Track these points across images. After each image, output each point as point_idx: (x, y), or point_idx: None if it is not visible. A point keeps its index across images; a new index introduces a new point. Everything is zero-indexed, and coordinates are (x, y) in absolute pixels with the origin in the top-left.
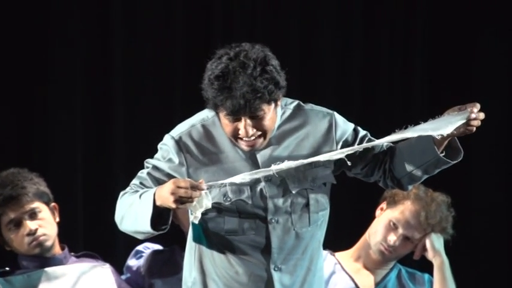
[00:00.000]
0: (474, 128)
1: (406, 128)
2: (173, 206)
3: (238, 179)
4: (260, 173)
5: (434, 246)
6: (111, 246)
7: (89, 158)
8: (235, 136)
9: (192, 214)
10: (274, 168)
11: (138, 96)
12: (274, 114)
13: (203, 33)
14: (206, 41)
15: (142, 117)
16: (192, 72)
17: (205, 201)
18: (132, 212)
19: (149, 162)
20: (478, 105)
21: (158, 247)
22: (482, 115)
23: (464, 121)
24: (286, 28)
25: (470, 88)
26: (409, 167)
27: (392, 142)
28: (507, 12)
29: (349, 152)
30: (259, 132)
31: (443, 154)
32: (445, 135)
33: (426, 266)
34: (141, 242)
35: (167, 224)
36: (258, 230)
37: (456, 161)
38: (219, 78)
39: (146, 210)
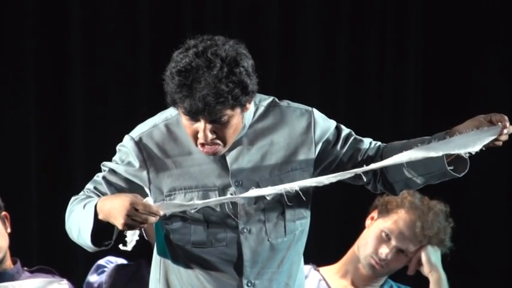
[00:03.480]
0: (501, 143)
1: (429, 143)
2: (120, 227)
3: (200, 203)
4: (230, 200)
5: (431, 260)
6: (69, 260)
7: (43, 162)
8: (194, 138)
9: (125, 241)
10: (252, 193)
11: (99, 92)
12: (239, 120)
13: (172, 26)
14: (175, 35)
15: (104, 116)
16: (160, 67)
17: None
18: (76, 223)
19: (106, 165)
20: (507, 118)
21: (122, 261)
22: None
23: (494, 137)
24: (265, 25)
25: (467, 93)
26: (408, 174)
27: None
28: (506, 17)
29: (343, 177)
30: (218, 140)
31: (451, 168)
32: (473, 153)
33: (421, 282)
34: (103, 255)
35: (111, 240)
36: (229, 241)
37: (463, 174)
38: (180, 73)
39: (87, 224)
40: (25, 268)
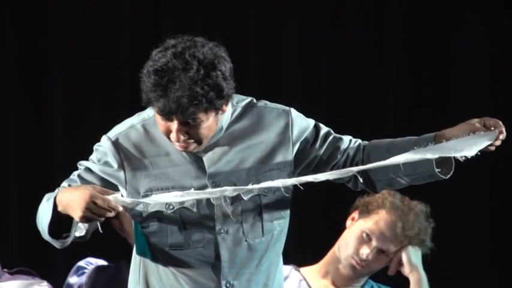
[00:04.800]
0: (494, 148)
1: (426, 146)
2: (77, 220)
3: (175, 197)
4: (208, 194)
5: (411, 261)
6: (49, 262)
7: (23, 164)
8: (167, 136)
9: (75, 228)
10: (230, 190)
11: (79, 93)
12: (213, 122)
13: (152, 28)
14: (156, 36)
15: (84, 117)
16: (140, 67)
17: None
18: (40, 217)
19: (82, 164)
20: (501, 123)
21: (102, 262)
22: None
23: (490, 142)
24: (246, 29)
25: (447, 89)
26: (392, 173)
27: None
28: (485, 12)
29: (329, 177)
30: (192, 140)
31: (438, 170)
32: (469, 157)
33: (402, 283)
34: (82, 256)
35: (69, 233)
36: (206, 243)
37: (448, 176)
38: (157, 72)
39: (47, 216)
40: (5, 270)
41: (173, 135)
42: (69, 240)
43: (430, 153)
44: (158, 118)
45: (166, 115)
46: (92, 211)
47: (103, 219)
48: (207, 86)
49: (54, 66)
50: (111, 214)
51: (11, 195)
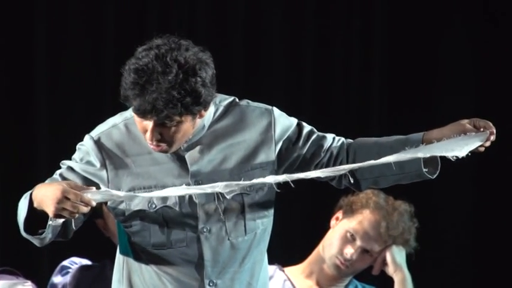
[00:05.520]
0: (484, 149)
1: (417, 147)
2: (51, 215)
3: (161, 192)
4: (198, 190)
5: (396, 260)
6: (33, 262)
7: (6, 163)
8: (144, 135)
9: (52, 223)
10: (221, 185)
11: (64, 94)
12: (189, 126)
13: (136, 28)
14: (140, 38)
15: (69, 118)
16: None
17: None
18: (18, 215)
19: (64, 163)
20: (492, 125)
21: (86, 262)
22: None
23: (481, 143)
24: (231, 28)
25: (433, 85)
26: (378, 172)
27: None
28: (470, 9)
29: (320, 174)
30: (164, 143)
31: (426, 170)
32: (460, 157)
33: (386, 282)
34: (67, 256)
35: (44, 229)
36: (189, 242)
37: (435, 176)
38: (137, 71)
39: (23, 212)
40: None
41: (148, 135)
42: (47, 237)
43: (421, 153)
44: (135, 116)
45: (141, 114)
46: (64, 207)
47: (76, 215)
48: (184, 91)
49: (38, 64)
50: (85, 209)
51: None
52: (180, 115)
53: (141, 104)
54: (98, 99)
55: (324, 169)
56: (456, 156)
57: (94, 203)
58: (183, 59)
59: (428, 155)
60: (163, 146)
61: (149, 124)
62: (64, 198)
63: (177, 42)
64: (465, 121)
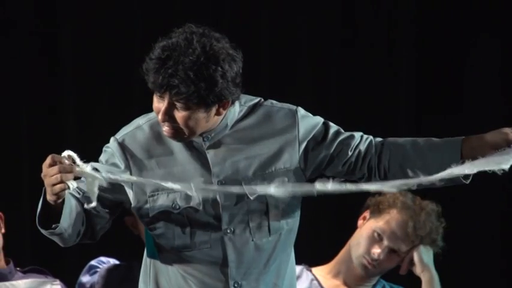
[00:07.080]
0: None
1: (463, 163)
2: (51, 198)
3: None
4: (214, 188)
5: (423, 260)
6: (62, 261)
7: (36, 161)
8: (157, 115)
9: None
10: (246, 189)
11: (92, 95)
12: (202, 118)
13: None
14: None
15: (97, 118)
16: None
17: (97, 181)
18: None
19: (92, 166)
20: None
21: (114, 261)
22: None
23: None
24: (255, 37)
25: (460, 96)
26: (413, 175)
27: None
28: (500, 17)
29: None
30: (176, 128)
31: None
32: (506, 170)
33: (413, 282)
34: (95, 255)
35: (58, 223)
36: (213, 243)
37: (469, 181)
38: (163, 48)
39: (39, 208)
40: (18, 268)
41: (160, 115)
42: (64, 233)
43: (468, 169)
44: (154, 96)
45: (156, 87)
46: (49, 176)
47: (65, 191)
48: (201, 74)
49: (65, 67)
50: (69, 176)
51: (23, 195)
52: (192, 100)
53: (157, 77)
54: (125, 101)
55: (384, 182)
56: (503, 170)
57: (78, 169)
58: (209, 46)
59: (475, 171)
60: (174, 131)
61: (162, 105)
62: (44, 169)
63: (211, 32)
64: (508, 129)
